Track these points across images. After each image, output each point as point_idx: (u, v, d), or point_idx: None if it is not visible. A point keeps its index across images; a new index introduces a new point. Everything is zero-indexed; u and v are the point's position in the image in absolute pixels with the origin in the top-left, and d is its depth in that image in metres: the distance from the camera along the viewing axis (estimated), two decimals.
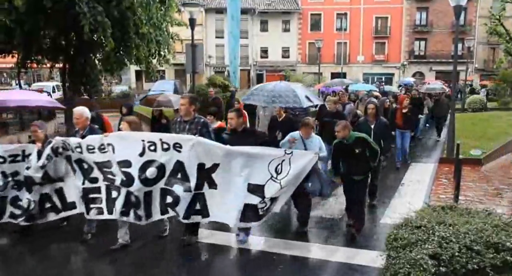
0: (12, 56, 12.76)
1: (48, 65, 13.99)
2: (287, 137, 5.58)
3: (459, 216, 4.02)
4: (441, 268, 3.31)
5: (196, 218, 4.88)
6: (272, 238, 5.45)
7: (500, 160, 10.50)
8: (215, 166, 4.71)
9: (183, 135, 4.87)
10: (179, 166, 4.71)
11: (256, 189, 4.73)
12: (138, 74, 39.42)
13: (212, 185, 4.77)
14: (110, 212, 4.94)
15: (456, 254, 3.37)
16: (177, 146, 4.68)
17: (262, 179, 4.73)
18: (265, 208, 4.80)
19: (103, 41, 10.55)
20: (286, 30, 42.74)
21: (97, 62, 13.15)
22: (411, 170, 9.36)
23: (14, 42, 10.11)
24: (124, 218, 4.89)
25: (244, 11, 37.16)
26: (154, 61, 13.86)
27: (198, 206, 4.80)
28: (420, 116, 12.30)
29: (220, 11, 39.93)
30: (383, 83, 31.25)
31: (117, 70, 13.41)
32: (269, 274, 4.49)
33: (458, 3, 9.51)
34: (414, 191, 7.63)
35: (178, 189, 4.73)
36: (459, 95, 23.38)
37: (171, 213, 4.89)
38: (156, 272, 4.55)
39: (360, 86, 18.57)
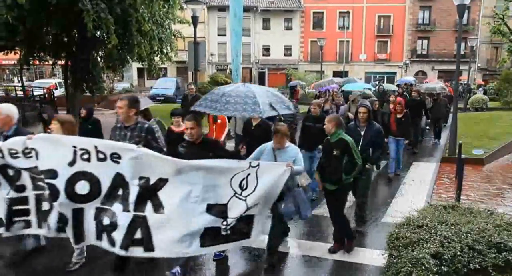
0: (15, 53, 12.81)
1: (50, 62, 14.03)
2: (257, 150, 4.69)
3: (461, 216, 4.02)
4: (443, 267, 3.31)
5: (136, 251, 3.85)
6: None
7: (502, 159, 10.48)
8: (162, 182, 3.81)
9: (123, 143, 4.05)
10: (120, 181, 3.86)
11: (217, 209, 3.93)
12: (140, 71, 39.44)
13: (159, 207, 3.81)
14: (40, 225, 4.15)
15: (458, 253, 3.37)
16: (115, 157, 3.82)
17: (224, 197, 3.94)
18: (228, 226, 3.95)
19: (106, 38, 10.58)
20: (289, 28, 42.66)
21: (99, 59, 13.18)
22: (413, 169, 9.34)
23: (17, 38, 10.14)
24: (62, 235, 4.09)
25: (246, 9, 37.12)
26: (156, 58, 13.90)
27: (138, 234, 3.80)
28: (427, 121, 11.54)
29: (223, 8, 39.88)
30: (382, 81, 30.01)
31: (119, 67, 13.45)
32: (269, 273, 4.49)
33: (462, 2, 9.47)
34: (416, 190, 7.62)
35: (118, 209, 3.87)
36: (463, 94, 23.30)
37: (106, 241, 3.92)
38: None
39: (354, 86, 16.26)
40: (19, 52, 12.76)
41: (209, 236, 3.91)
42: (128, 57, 12.83)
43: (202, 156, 3.95)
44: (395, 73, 41.19)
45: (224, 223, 3.93)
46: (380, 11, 41.33)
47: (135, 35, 11.03)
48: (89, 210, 3.95)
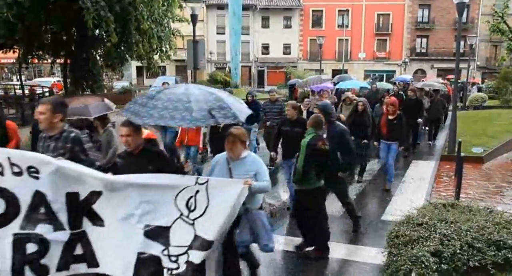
0: (14, 51, 12.79)
1: (49, 60, 14.01)
2: (212, 161, 3.89)
3: (460, 214, 4.03)
4: (442, 265, 3.32)
5: (79, 268, 3.28)
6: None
7: (501, 158, 10.49)
8: (95, 195, 3.23)
9: (42, 155, 3.34)
10: (41, 199, 3.19)
11: (157, 233, 3.18)
12: (139, 70, 39.43)
13: (97, 220, 3.24)
14: None
15: (458, 251, 3.38)
16: (32, 171, 3.18)
17: (166, 218, 3.17)
18: (175, 271, 3.09)
19: (105, 36, 10.57)
20: (288, 26, 42.62)
21: (98, 57, 13.18)
22: (413, 167, 9.35)
23: (16, 37, 10.13)
24: None
25: (245, 7, 37.12)
26: (156, 57, 13.90)
27: (79, 250, 3.25)
28: (419, 120, 10.47)
29: (222, 7, 39.84)
30: (378, 80, 29.59)
31: (119, 65, 13.46)
32: (269, 270, 4.50)
33: (461, 0, 9.47)
34: (416, 188, 7.63)
35: (44, 230, 3.19)
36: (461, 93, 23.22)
37: (32, 273, 3.16)
38: None
39: (349, 84, 14.86)
40: (18, 50, 12.74)
41: (143, 267, 3.13)
42: (127, 56, 12.83)
43: (140, 168, 3.29)
44: (394, 71, 41.16)
45: (166, 252, 3.12)
46: (379, 10, 41.29)
47: (134, 33, 11.04)
48: (5, 238, 3.14)
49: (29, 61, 13.43)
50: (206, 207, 3.14)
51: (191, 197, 3.15)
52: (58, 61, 14.01)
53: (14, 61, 16.17)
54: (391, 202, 6.80)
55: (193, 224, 3.14)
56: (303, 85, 15.68)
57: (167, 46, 14.05)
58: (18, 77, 21.59)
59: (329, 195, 6.34)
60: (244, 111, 3.45)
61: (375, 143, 7.59)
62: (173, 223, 3.15)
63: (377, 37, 42.14)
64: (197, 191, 3.14)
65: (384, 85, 17.38)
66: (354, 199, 6.95)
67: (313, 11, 42.14)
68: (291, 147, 5.54)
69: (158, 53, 13.68)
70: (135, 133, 3.43)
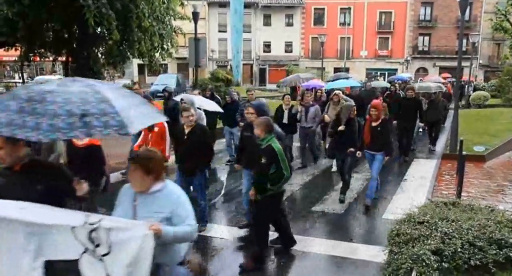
0: (15, 49, 12.80)
1: (51, 58, 14.02)
2: (122, 190, 2.78)
3: (461, 212, 4.02)
4: (443, 263, 3.31)
5: None
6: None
7: (503, 156, 10.46)
8: None
9: None
10: None
11: (63, 268, 2.60)
12: (140, 67, 39.46)
13: None
14: None
15: (459, 250, 3.37)
16: None
17: (70, 251, 2.50)
18: None
19: (107, 34, 10.57)
20: (289, 24, 42.57)
21: (100, 55, 13.19)
22: (414, 165, 9.33)
23: (17, 35, 10.13)
24: None
25: (247, 5, 37.06)
26: (157, 54, 13.88)
27: None
28: (419, 124, 10.07)
29: (223, 4, 39.80)
30: (373, 79, 27.87)
31: (120, 63, 13.45)
32: (271, 267, 4.50)
33: None
34: (417, 186, 7.61)
35: None
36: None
37: None
38: None
39: (337, 84, 12.93)
40: (19, 48, 12.75)
41: None
42: (128, 53, 12.83)
43: (26, 188, 2.60)
44: (396, 69, 41.09)
45: None
46: (381, 8, 41.19)
47: (135, 31, 11.03)
48: None
49: (31, 59, 13.43)
50: (110, 245, 2.45)
51: (92, 230, 2.45)
52: (59, 59, 14.02)
53: (16, 59, 16.18)
54: (392, 201, 6.79)
55: (103, 261, 2.47)
56: (288, 84, 15.26)
57: (169, 44, 14.04)
58: (20, 75, 21.62)
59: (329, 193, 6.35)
60: (145, 120, 2.56)
61: (358, 152, 6.46)
62: (81, 256, 2.48)
63: (379, 35, 42.05)
64: (94, 229, 2.44)
65: (382, 84, 16.59)
66: (355, 197, 6.97)
67: (315, 9, 42.07)
68: (249, 157, 4.96)
69: (160, 51, 13.68)
70: (7, 145, 2.59)
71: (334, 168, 8.13)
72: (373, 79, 27.77)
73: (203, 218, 5.29)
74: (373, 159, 6.38)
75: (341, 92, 8.89)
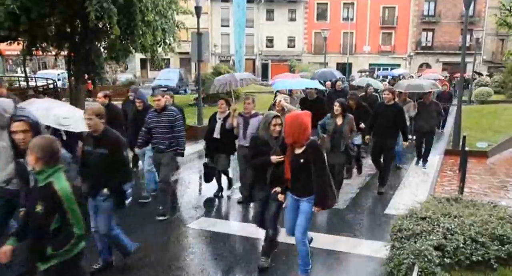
0: (18, 43, 12.80)
1: (53, 52, 14.02)
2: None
3: (464, 208, 4.03)
4: (445, 259, 3.33)
5: None
6: None
7: (506, 152, 10.43)
8: None
9: None
10: None
11: None
12: (143, 62, 39.41)
13: None
14: None
15: (461, 245, 3.38)
16: None
17: None
18: None
19: (109, 28, 10.55)
20: (292, 19, 42.37)
21: (102, 49, 13.17)
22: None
23: (20, 29, 10.12)
24: None
25: (250, 0, 36.85)
26: (160, 49, 13.85)
27: None
28: (402, 143, 7.12)
29: None
30: (367, 74, 24.79)
31: (123, 57, 13.43)
32: (272, 263, 4.51)
33: None
34: (419, 182, 7.61)
35: None
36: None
37: None
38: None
39: (288, 84, 9.61)
40: (22, 42, 12.75)
41: None
42: (131, 48, 12.80)
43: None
44: (399, 65, 40.86)
45: None
46: (385, 3, 40.92)
47: (138, 25, 11.00)
48: None
49: (33, 53, 13.42)
50: None
51: None
52: (62, 53, 14.02)
53: (19, 53, 16.17)
54: (394, 196, 6.78)
55: None
56: (218, 89, 10.88)
57: (171, 39, 14.00)
58: (23, 69, 21.63)
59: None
60: None
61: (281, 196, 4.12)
62: None
63: (382, 30, 41.80)
64: None
65: (378, 84, 12.84)
66: (357, 192, 6.98)
67: (318, 4, 41.83)
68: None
69: (162, 46, 13.65)
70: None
71: None
72: (367, 74, 25.44)
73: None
74: (295, 205, 4.03)
75: (288, 98, 6.58)
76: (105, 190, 3.82)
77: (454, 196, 4.50)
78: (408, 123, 7.60)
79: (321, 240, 5.04)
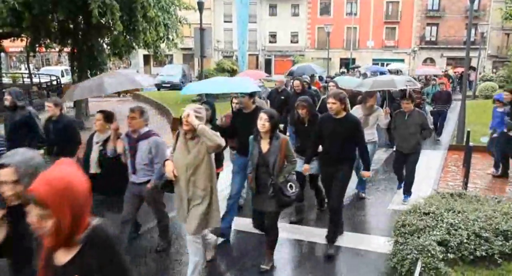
0: (21, 40, 12.83)
1: (57, 49, 14.05)
2: None
3: (468, 203, 4.01)
4: (449, 254, 3.32)
5: None
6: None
7: None
8: None
9: None
10: None
11: None
12: (146, 58, 39.41)
13: None
14: None
15: (465, 241, 3.38)
16: None
17: None
18: None
19: (111, 24, 10.55)
20: (295, 14, 42.17)
21: (105, 46, 13.19)
22: (420, 157, 9.25)
23: (23, 25, 10.14)
24: None
25: None
26: (162, 45, 13.85)
27: None
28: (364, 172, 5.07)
29: None
30: (356, 70, 22.47)
31: (126, 54, 13.45)
32: (278, 257, 4.52)
33: None
34: (423, 177, 7.56)
35: None
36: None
37: None
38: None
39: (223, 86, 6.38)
40: (25, 39, 12.79)
41: None
42: (134, 44, 12.81)
43: None
44: (403, 60, 40.65)
45: None
46: None
47: (140, 21, 10.98)
48: None
49: (37, 49, 13.46)
50: None
51: None
52: (65, 49, 14.05)
53: (22, 50, 16.23)
54: (398, 191, 6.77)
55: None
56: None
57: (174, 34, 13.99)
58: (26, 66, 21.70)
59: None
60: None
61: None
62: None
63: (386, 25, 41.52)
64: None
65: (343, 81, 9.69)
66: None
67: None
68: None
69: (165, 41, 13.64)
70: None
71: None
72: (355, 71, 21.93)
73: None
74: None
75: (202, 108, 3.97)
76: None
77: (458, 192, 4.49)
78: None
79: (323, 235, 5.03)
